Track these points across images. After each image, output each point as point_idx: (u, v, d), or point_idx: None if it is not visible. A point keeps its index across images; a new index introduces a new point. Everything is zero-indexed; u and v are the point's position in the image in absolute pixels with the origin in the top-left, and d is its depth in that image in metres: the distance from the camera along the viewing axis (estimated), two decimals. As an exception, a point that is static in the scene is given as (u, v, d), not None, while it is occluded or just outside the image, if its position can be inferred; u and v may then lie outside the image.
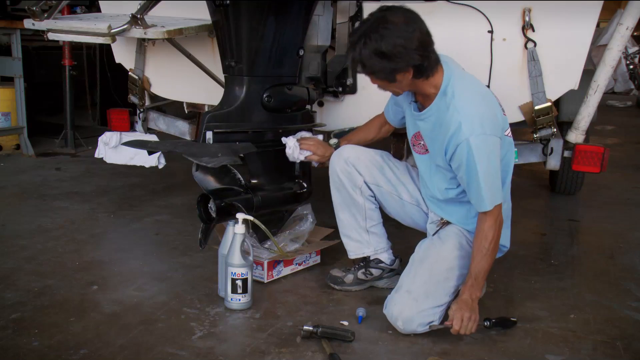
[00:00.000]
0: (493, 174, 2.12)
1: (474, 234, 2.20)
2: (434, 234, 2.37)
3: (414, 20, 2.07)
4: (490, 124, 2.11)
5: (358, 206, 2.49)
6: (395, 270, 2.59)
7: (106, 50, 5.66)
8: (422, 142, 2.31)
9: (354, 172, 2.46)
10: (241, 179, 2.49)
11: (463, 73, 2.23)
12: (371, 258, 2.56)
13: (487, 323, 2.20)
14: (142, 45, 3.24)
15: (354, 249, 2.56)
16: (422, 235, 2.50)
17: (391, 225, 2.62)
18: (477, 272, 2.15)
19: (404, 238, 2.86)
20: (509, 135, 2.26)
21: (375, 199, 2.52)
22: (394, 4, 2.73)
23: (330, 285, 2.57)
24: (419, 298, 2.16)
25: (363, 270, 2.56)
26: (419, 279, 2.20)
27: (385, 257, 2.57)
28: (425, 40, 2.06)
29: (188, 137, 3.40)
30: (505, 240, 2.37)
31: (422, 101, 2.25)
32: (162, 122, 3.51)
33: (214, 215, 2.41)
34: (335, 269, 2.62)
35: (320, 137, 2.63)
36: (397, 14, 2.06)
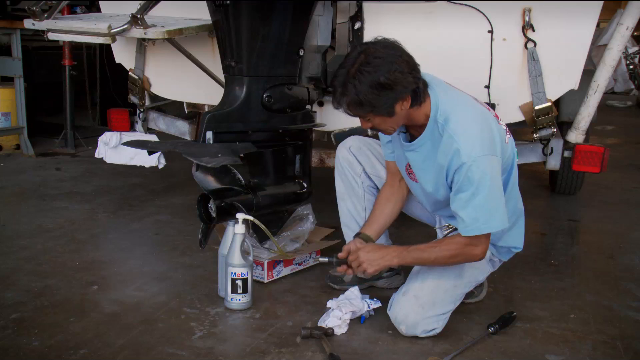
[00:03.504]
0: (495, 197, 2.01)
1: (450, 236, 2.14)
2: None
3: (395, 46, 1.97)
4: (488, 142, 2.02)
5: (358, 196, 2.49)
6: (395, 270, 2.59)
7: (106, 50, 5.66)
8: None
9: (355, 161, 2.47)
10: (241, 179, 2.49)
11: (447, 92, 2.11)
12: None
13: (491, 329, 2.19)
14: (142, 45, 3.24)
15: None
16: (423, 236, 2.49)
17: (390, 225, 2.61)
18: (415, 255, 2.11)
19: (404, 238, 2.87)
20: (509, 140, 2.16)
21: (377, 191, 2.51)
22: (394, 3, 2.76)
23: (330, 285, 2.57)
24: (425, 305, 2.15)
25: (362, 269, 2.55)
26: (427, 286, 2.18)
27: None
28: (412, 61, 1.97)
29: (188, 137, 3.40)
30: (518, 240, 2.34)
31: (413, 132, 2.14)
32: (162, 122, 3.51)
33: (214, 215, 2.41)
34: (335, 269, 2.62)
35: None
36: (376, 45, 1.97)
